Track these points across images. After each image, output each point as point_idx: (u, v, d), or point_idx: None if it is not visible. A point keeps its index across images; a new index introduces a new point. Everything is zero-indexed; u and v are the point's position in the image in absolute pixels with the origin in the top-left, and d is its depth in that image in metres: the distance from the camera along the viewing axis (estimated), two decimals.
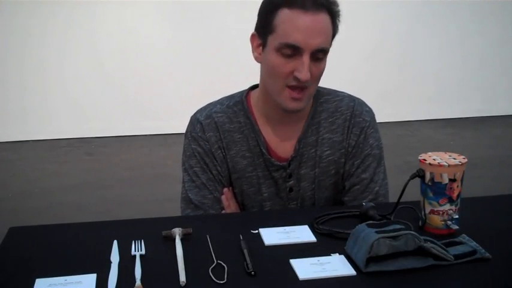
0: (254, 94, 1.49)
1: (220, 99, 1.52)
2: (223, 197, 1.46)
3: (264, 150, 1.45)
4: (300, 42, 1.29)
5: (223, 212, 1.46)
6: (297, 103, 1.36)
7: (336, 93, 1.51)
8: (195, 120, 1.49)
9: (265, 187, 1.48)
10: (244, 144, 1.46)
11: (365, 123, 1.47)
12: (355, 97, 1.52)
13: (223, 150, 1.46)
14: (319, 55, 1.33)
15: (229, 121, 1.47)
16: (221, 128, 1.46)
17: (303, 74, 1.30)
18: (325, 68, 1.39)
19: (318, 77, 1.36)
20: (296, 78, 1.32)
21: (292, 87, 1.34)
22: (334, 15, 1.35)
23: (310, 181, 1.47)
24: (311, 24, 1.29)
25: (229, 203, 1.47)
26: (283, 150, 1.46)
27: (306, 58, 1.30)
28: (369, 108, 1.51)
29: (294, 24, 1.29)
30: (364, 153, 1.47)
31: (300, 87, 1.33)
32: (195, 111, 1.53)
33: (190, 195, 1.46)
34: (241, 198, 1.50)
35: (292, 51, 1.30)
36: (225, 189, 1.47)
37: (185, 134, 1.51)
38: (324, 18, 1.31)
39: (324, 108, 1.48)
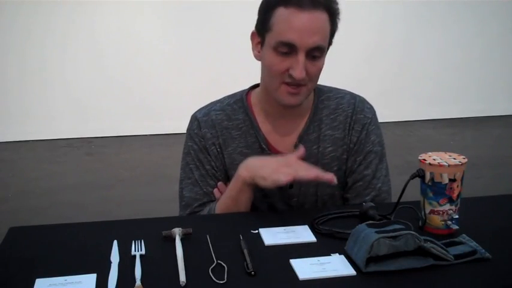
0: (255, 92, 1.51)
1: (222, 98, 1.54)
2: (215, 190, 1.47)
3: (264, 146, 1.46)
4: (295, 41, 1.30)
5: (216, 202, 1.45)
6: (294, 98, 1.37)
7: (337, 91, 1.53)
8: (193, 118, 1.52)
9: None
10: (242, 141, 1.47)
11: (366, 120, 1.48)
12: (356, 94, 1.53)
13: (218, 147, 1.47)
14: (316, 53, 1.33)
15: (228, 118, 1.48)
16: (218, 125, 1.48)
17: (297, 72, 1.31)
18: (325, 68, 1.39)
19: (315, 75, 1.37)
20: (291, 76, 1.33)
21: (288, 83, 1.35)
22: (332, 13, 1.34)
23: None
24: (306, 23, 1.30)
25: (220, 196, 1.45)
26: (283, 146, 1.47)
27: (301, 56, 1.31)
28: (370, 105, 1.52)
29: (290, 22, 1.30)
30: (366, 149, 1.48)
31: (295, 84, 1.35)
32: (195, 110, 1.55)
33: (184, 192, 1.49)
34: None
35: (288, 49, 1.31)
36: (220, 183, 1.48)
37: (186, 132, 1.53)
38: (320, 16, 1.31)
39: (326, 105, 1.49)
